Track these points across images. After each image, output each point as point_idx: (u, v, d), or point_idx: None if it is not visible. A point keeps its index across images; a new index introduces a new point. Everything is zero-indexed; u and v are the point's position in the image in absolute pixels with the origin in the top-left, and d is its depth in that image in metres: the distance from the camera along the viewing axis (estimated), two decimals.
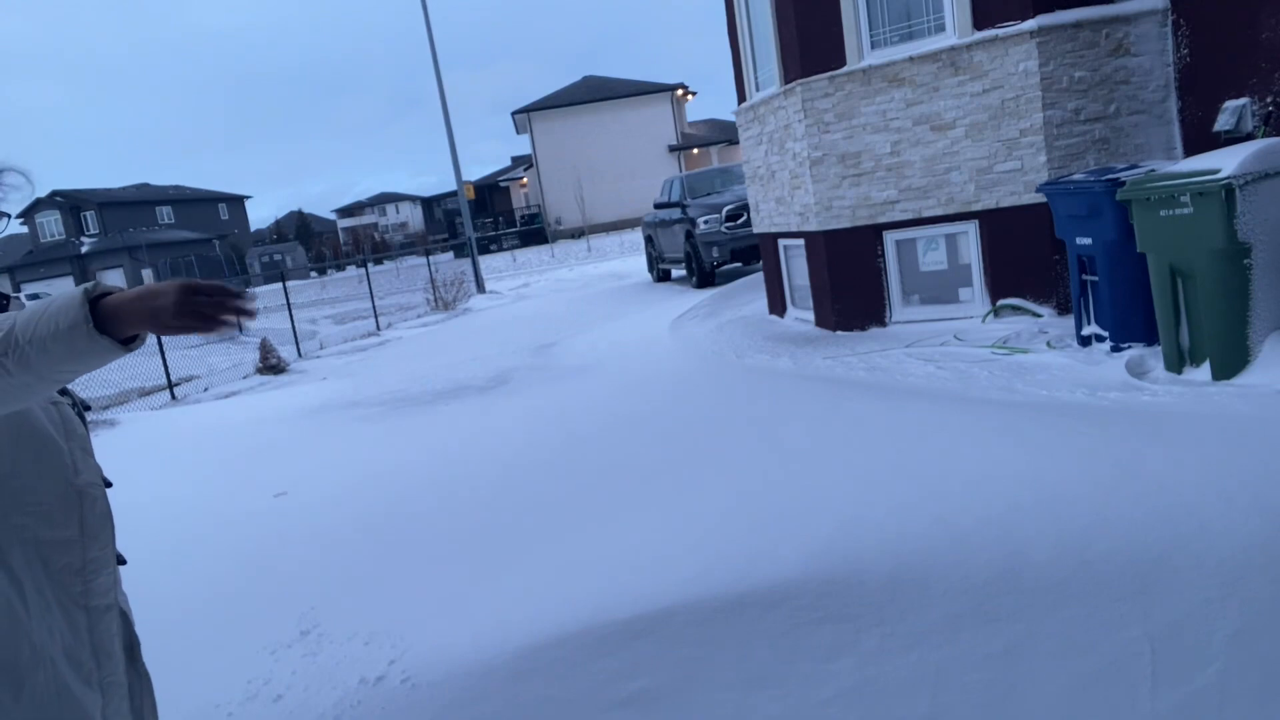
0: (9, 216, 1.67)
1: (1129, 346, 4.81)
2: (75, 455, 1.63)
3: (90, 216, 53.93)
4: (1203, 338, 4.23)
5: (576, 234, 46.04)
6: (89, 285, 1.34)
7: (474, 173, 64.52)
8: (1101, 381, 4.46)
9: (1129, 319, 4.82)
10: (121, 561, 1.77)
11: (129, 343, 1.33)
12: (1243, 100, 5.28)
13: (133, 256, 49.32)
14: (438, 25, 21.60)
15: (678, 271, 15.65)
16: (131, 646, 1.79)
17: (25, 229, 56.40)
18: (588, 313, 12.61)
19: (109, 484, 1.77)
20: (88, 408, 1.84)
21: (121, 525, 1.75)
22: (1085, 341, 5.11)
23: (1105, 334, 4.97)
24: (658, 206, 15.86)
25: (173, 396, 11.45)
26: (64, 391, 1.73)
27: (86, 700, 1.57)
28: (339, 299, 25.44)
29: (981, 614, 2.65)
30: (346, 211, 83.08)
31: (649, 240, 16.71)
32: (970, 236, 6.40)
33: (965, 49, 6.05)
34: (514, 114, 50.18)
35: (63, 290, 1.36)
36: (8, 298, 1.71)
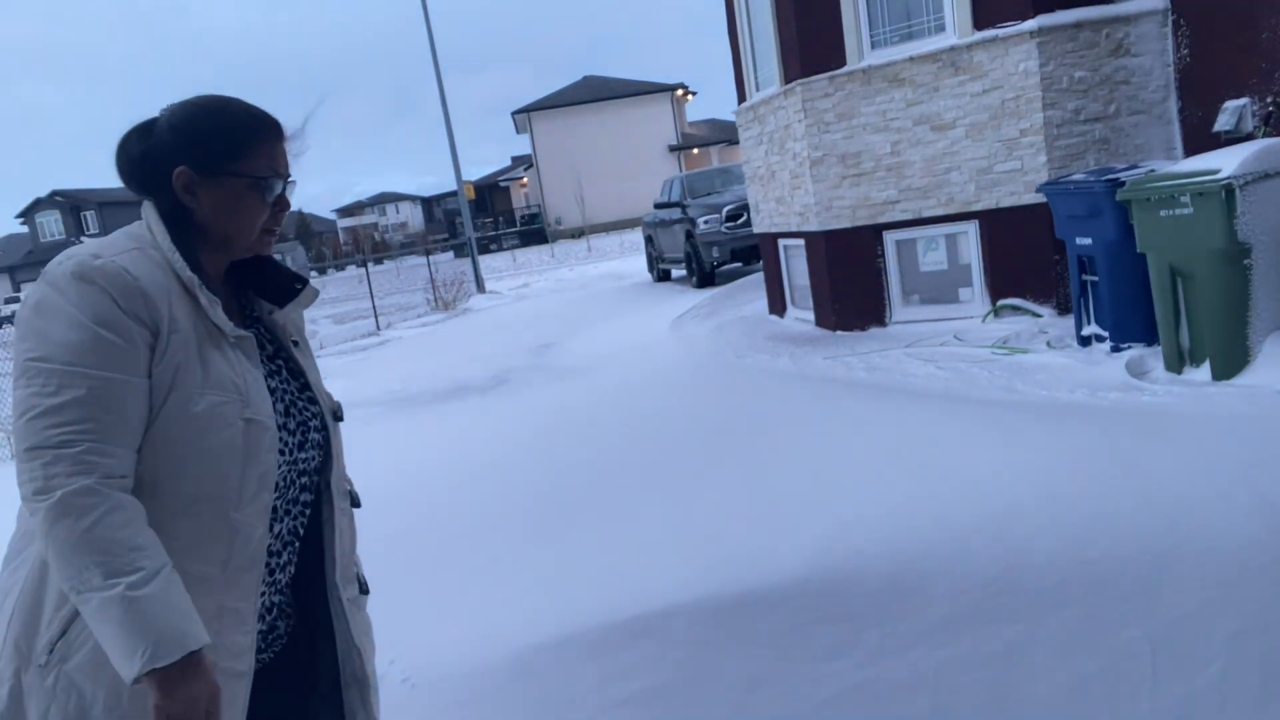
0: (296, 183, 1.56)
1: (1129, 346, 4.81)
2: (247, 486, 1.38)
3: (90, 216, 53.92)
4: (1203, 338, 4.23)
5: (576, 234, 46.04)
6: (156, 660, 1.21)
7: (473, 173, 64.55)
8: (1101, 381, 4.46)
9: (1129, 319, 4.81)
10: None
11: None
12: (1243, 100, 5.28)
13: None
14: (437, 26, 21.57)
15: (678, 271, 15.64)
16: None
17: (25, 229, 56.44)
18: (588, 313, 12.60)
19: (356, 501, 1.64)
20: (339, 418, 1.65)
21: None
22: (1085, 341, 5.11)
23: (1105, 334, 4.97)
24: (658, 206, 15.85)
25: None
26: (297, 403, 1.54)
27: None
28: (339, 299, 25.42)
29: (981, 614, 2.65)
30: (346, 211, 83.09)
31: (649, 240, 16.70)
32: (970, 236, 6.39)
33: (965, 49, 6.05)
34: (514, 114, 50.22)
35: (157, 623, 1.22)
36: (305, 281, 1.61)
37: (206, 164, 1.43)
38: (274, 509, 1.45)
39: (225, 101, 1.49)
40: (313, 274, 45.50)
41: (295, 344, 1.62)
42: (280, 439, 1.46)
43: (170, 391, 1.32)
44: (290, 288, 1.60)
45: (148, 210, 1.45)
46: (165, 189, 1.44)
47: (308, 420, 1.55)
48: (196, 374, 1.35)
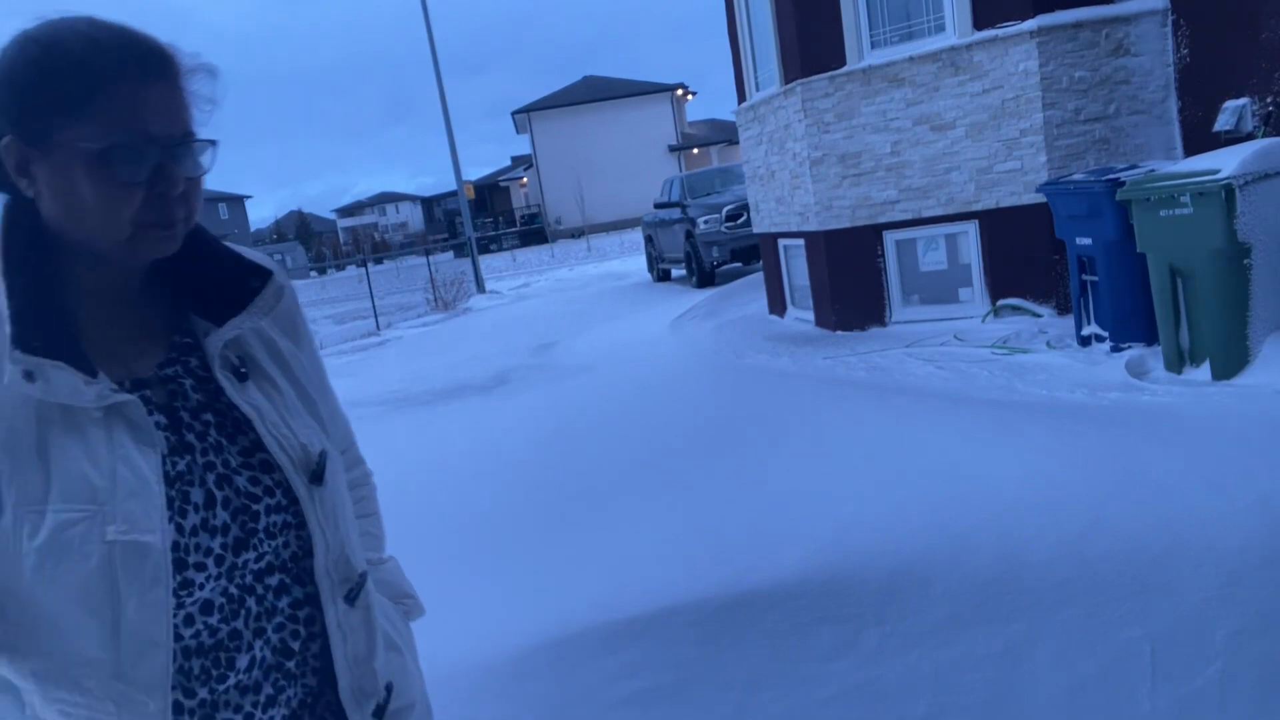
0: (214, 144, 1.00)
1: (1129, 346, 4.81)
2: (125, 643, 0.91)
3: None
4: (1203, 338, 4.23)
5: (576, 234, 46.05)
6: None
7: (473, 173, 64.63)
8: (1101, 381, 4.46)
9: (1129, 319, 4.81)
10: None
11: None
12: (1243, 100, 5.28)
13: None
14: (437, 27, 21.58)
15: (678, 271, 15.65)
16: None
17: None
18: (588, 312, 12.61)
19: (355, 591, 1.10)
20: (318, 478, 1.07)
21: None
22: (1085, 341, 5.11)
23: (1105, 334, 4.97)
24: (658, 206, 15.86)
25: None
26: (232, 480, 1.02)
27: None
28: (339, 299, 25.42)
29: (981, 614, 2.65)
30: (346, 211, 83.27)
31: (649, 240, 16.71)
32: (970, 236, 6.39)
33: (965, 49, 6.05)
34: (514, 114, 50.25)
35: None
36: (266, 273, 1.11)
37: (34, 130, 0.92)
38: (223, 641, 0.99)
39: (62, 30, 0.94)
40: (312, 274, 45.21)
41: (242, 376, 1.06)
42: (191, 552, 0.96)
43: None
44: (244, 288, 1.08)
45: None
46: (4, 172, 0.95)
47: (252, 502, 1.02)
48: (33, 482, 0.88)
